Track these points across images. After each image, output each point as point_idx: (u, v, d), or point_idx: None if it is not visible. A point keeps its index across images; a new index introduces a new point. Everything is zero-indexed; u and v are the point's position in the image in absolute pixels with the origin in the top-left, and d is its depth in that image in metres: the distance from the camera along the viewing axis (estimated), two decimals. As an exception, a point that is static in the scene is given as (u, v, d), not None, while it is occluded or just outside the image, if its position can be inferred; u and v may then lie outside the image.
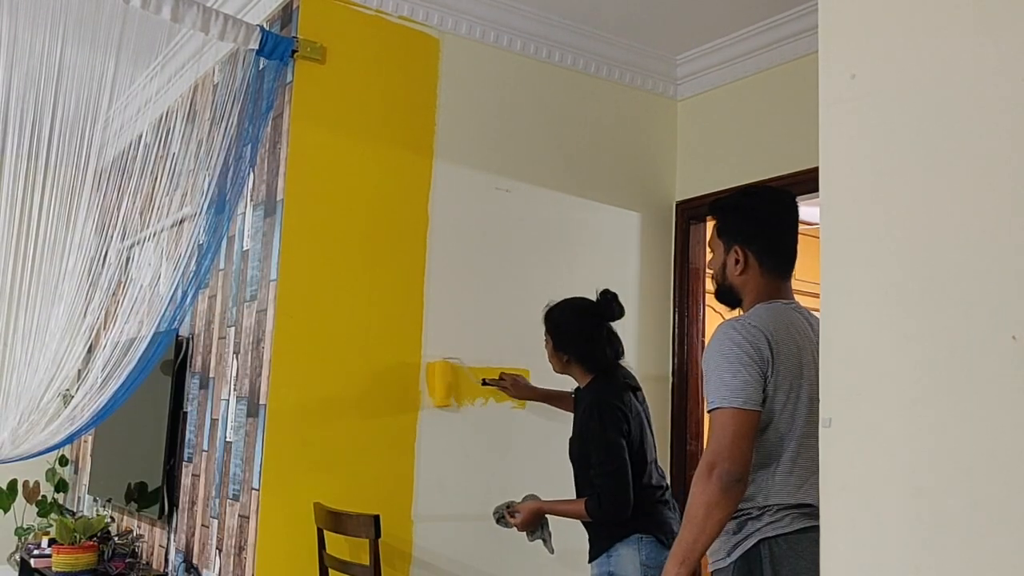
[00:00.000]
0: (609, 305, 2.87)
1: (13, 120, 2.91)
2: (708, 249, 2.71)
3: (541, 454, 3.52)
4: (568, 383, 2.99)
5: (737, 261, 2.18)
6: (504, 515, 2.88)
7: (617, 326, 2.91)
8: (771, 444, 2.03)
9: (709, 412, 2.01)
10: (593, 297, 2.91)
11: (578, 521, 2.76)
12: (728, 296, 2.24)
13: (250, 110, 3.23)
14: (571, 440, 2.83)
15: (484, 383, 3.35)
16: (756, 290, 2.16)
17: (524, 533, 2.87)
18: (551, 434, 3.51)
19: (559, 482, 2.94)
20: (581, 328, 2.84)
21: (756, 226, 2.19)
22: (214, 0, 3.51)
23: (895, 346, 1.20)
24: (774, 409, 2.01)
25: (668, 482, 2.87)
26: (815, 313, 1.81)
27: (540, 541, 2.85)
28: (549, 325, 2.91)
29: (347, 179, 3.27)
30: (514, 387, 3.30)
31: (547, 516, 2.85)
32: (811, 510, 1.98)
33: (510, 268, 3.62)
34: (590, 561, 2.73)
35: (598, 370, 2.83)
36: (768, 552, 1.98)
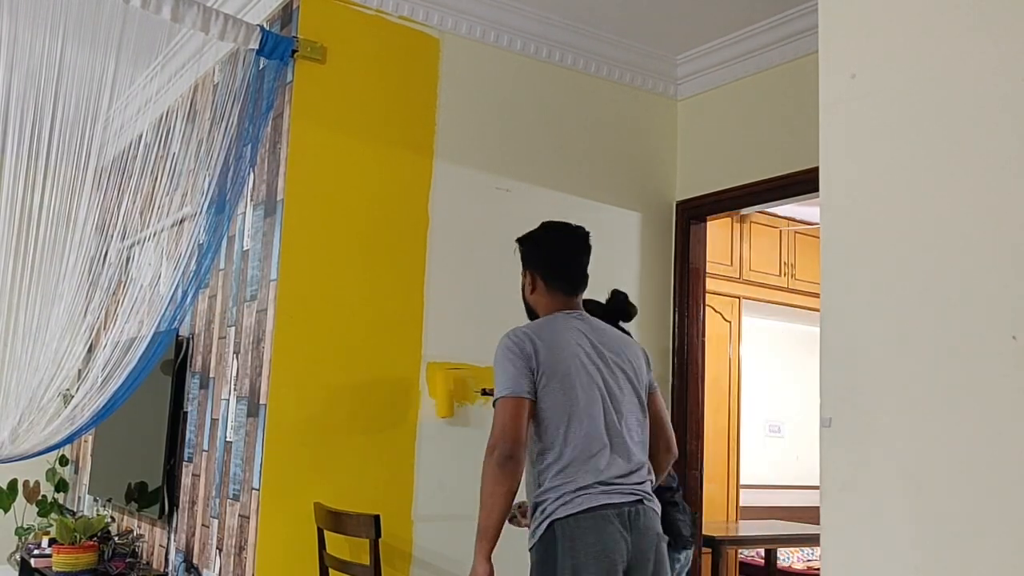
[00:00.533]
0: (621, 305, 2.90)
1: (13, 120, 2.91)
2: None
3: (541, 454, 3.52)
4: None
5: (528, 284, 2.63)
6: (516, 514, 2.88)
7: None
8: (547, 432, 2.37)
9: (493, 405, 2.39)
10: (603, 299, 2.91)
11: None
12: (529, 314, 2.66)
13: (250, 110, 3.23)
14: None
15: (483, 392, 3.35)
16: (546, 306, 2.59)
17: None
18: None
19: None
20: None
21: (543, 254, 2.62)
22: (214, 0, 3.51)
23: (895, 346, 1.20)
24: (545, 398, 2.37)
25: (678, 484, 2.87)
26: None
27: None
28: None
29: (347, 179, 3.27)
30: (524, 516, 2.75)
31: None
32: (589, 489, 2.31)
33: (510, 268, 3.59)
34: None
35: None
36: (562, 532, 2.29)
